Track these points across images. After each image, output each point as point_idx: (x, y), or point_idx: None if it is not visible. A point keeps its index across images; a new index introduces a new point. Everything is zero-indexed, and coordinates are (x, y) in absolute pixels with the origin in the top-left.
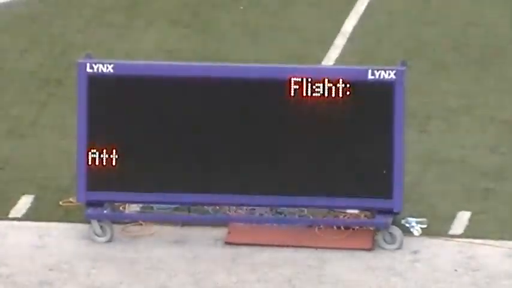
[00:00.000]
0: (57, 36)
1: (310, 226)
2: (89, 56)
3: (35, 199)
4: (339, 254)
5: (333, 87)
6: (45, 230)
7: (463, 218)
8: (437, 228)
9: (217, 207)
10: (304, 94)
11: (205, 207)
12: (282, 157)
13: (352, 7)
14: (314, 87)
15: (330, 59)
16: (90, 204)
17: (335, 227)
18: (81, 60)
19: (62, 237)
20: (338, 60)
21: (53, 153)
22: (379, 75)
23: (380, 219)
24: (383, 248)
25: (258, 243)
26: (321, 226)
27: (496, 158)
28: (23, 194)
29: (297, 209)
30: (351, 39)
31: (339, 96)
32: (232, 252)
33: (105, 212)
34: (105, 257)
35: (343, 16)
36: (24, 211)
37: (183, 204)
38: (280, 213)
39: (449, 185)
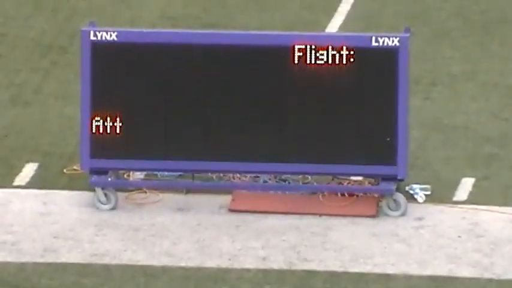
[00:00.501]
0: (61, 3)
1: (314, 193)
2: (92, 24)
3: (39, 167)
4: (343, 220)
5: (337, 54)
6: (50, 198)
7: (466, 185)
8: (441, 195)
9: (221, 175)
10: (308, 61)
11: (209, 174)
12: (285, 124)
13: None
14: (318, 54)
15: (333, 26)
16: (94, 171)
17: (339, 194)
18: (84, 28)
19: (66, 204)
20: (342, 27)
21: (56, 121)
22: (383, 42)
23: (384, 186)
24: (387, 215)
25: (262, 210)
26: (325, 193)
27: (500, 124)
28: (27, 162)
29: (300, 176)
30: (354, 5)
31: (342, 63)
32: (237, 219)
33: (109, 179)
34: (109, 224)
35: None
36: (28, 179)
37: (187, 171)
38: (284, 180)
39: (453, 152)
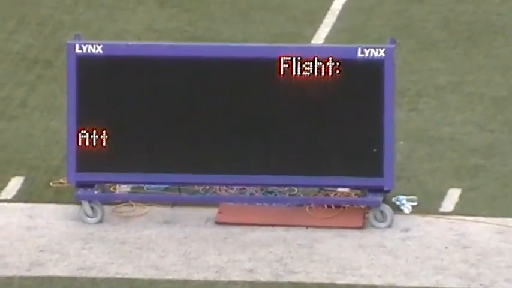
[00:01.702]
0: (46, 17)
1: (301, 205)
2: (78, 37)
3: (25, 180)
4: (330, 232)
5: (323, 66)
6: (36, 211)
7: (453, 196)
8: (427, 206)
9: (208, 187)
10: (294, 73)
11: (196, 187)
12: (272, 136)
13: None
14: (304, 66)
15: (319, 37)
16: (80, 185)
17: (326, 206)
18: (70, 41)
19: (52, 218)
20: (327, 39)
21: (42, 135)
22: (369, 54)
23: (371, 197)
24: (374, 226)
25: (248, 222)
26: (312, 205)
27: (486, 135)
28: (13, 176)
29: (287, 188)
30: (340, 17)
31: (328, 74)
32: (223, 231)
33: (95, 192)
34: (96, 237)
35: None
36: (14, 192)
37: (173, 184)
38: (271, 192)
39: (439, 163)
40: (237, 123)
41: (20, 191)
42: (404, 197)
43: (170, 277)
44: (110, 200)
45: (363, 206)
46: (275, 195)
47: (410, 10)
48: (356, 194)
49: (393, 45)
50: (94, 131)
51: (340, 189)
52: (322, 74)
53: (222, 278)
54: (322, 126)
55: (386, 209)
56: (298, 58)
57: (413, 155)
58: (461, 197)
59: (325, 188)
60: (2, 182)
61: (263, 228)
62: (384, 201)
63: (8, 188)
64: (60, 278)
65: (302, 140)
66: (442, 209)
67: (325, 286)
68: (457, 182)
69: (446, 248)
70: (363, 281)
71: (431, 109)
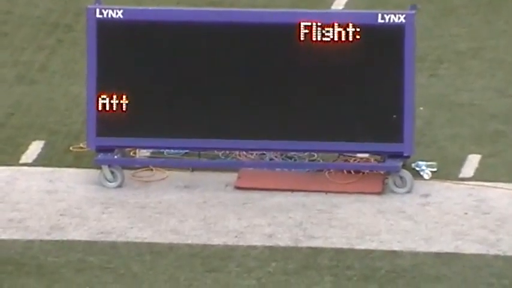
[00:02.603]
0: None
1: (320, 171)
2: (98, 2)
3: (46, 144)
4: (349, 198)
5: (343, 32)
6: (56, 176)
7: (473, 161)
8: (447, 172)
9: (228, 152)
10: (314, 39)
11: (216, 152)
12: (291, 102)
13: None
14: (324, 31)
15: (339, 3)
16: (100, 149)
17: (345, 172)
18: (90, 6)
19: (72, 182)
20: (348, 5)
21: (63, 99)
22: (389, 19)
23: (390, 163)
24: (393, 192)
25: (268, 187)
26: (331, 170)
27: (506, 101)
28: (34, 140)
29: (307, 153)
30: None
31: (348, 40)
32: (243, 196)
33: (115, 157)
34: (116, 202)
35: None
36: (34, 156)
37: (193, 149)
38: (290, 158)
39: (459, 129)
40: (257, 88)
41: (40, 155)
42: (424, 162)
43: (190, 241)
44: (130, 165)
45: (382, 172)
46: (294, 160)
47: None
48: (375, 160)
49: (414, 11)
50: (114, 96)
51: (359, 155)
52: (343, 39)
53: (241, 243)
54: (342, 92)
55: (406, 174)
56: (319, 24)
57: (433, 121)
58: (480, 162)
59: (345, 154)
60: (22, 146)
61: (282, 193)
62: (404, 167)
63: (28, 152)
64: (80, 242)
65: (322, 105)
66: (461, 175)
67: (344, 251)
68: (477, 148)
69: (466, 213)
70: (382, 246)
71: (451, 75)
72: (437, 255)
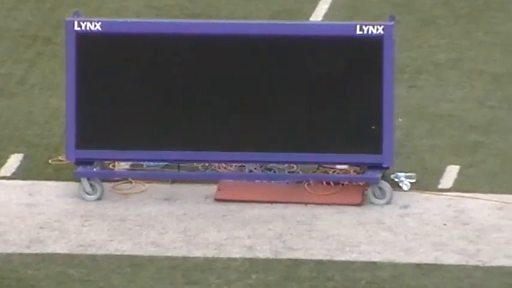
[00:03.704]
0: None
1: (300, 182)
2: (77, 14)
3: (25, 157)
4: (329, 209)
5: (321, 43)
6: (35, 188)
7: (452, 172)
8: (426, 183)
9: (207, 164)
10: (293, 50)
11: (195, 164)
12: (271, 114)
13: None
14: (302, 43)
15: (318, 14)
16: (79, 162)
17: (325, 183)
18: (69, 19)
19: (52, 195)
20: (326, 16)
21: (42, 112)
22: (368, 31)
23: (370, 174)
24: (373, 203)
25: (248, 199)
26: (311, 182)
27: (485, 111)
28: (13, 153)
29: (286, 165)
30: None
31: (327, 52)
32: (223, 208)
33: (94, 170)
34: (96, 214)
35: None
36: (14, 169)
37: (172, 161)
38: (270, 169)
39: (438, 139)
40: (236, 100)
41: (19, 168)
42: (403, 173)
43: (170, 254)
44: (110, 177)
45: (361, 183)
46: (274, 172)
47: None
48: (355, 171)
49: (392, 22)
50: (93, 108)
51: (339, 166)
52: (321, 51)
53: (222, 255)
54: (321, 104)
55: (385, 185)
56: (298, 35)
57: (413, 132)
58: (460, 173)
59: (324, 165)
60: (1, 159)
61: (262, 205)
62: (383, 178)
63: (7, 165)
64: (59, 254)
65: (301, 117)
66: (440, 186)
67: (324, 263)
68: (456, 159)
69: (445, 224)
70: (362, 257)
71: (430, 86)
72: (417, 266)
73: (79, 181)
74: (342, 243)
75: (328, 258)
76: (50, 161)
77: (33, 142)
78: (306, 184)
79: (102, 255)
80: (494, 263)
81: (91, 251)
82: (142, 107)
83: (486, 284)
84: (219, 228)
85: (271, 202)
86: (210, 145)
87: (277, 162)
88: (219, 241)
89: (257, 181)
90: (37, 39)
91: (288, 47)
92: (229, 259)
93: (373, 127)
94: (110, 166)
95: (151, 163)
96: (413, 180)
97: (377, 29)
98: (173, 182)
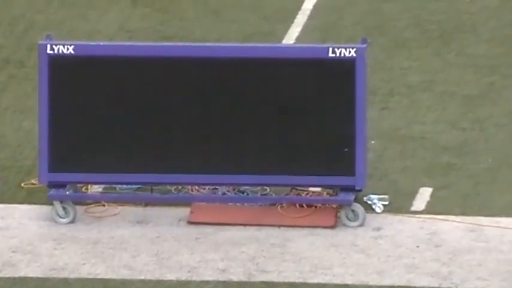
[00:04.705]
0: (18, 16)
1: (273, 204)
2: (49, 37)
3: None
4: (302, 231)
5: (294, 66)
6: (8, 212)
7: (424, 194)
8: (399, 205)
9: (180, 187)
10: (266, 72)
11: (168, 186)
12: (243, 136)
13: None
14: (275, 65)
15: (290, 37)
16: (52, 185)
17: (298, 205)
18: (41, 42)
19: (24, 218)
20: (299, 38)
21: (14, 135)
22: (340, 53)
23: (343, 196)
24: (346, 225)
25: (220, 222)
26: (284, 204)
27: (457, 133)
28: None
29: (259, 187)
30: (311, 16)
31: (300, 74)
32: (196, 231)
33: (67, 193)
34: (68, 237)
35: None
36: None
37: (145, 184)
38: (243, 192)
39: (410, 162)
40: (208, 123)
41: None
42: (376, 196)
43: (143, 277)
44: (82, 200)
45: (334, 205)
46: (247, 194)
47: (381, 9)
48: (328, 193)
49: (364, 45)
50: (66, 131)
51: (312, 189)
52: (294, 74)
53: (195, 278)
54: (294, 126)
55: (358, 208)
56: (270, 58)
57: (385, 154)
58: (432, 195)
59: (297, 188)
60: None
61: (235, 227)
62: (356, 200)
63: None
64: (32, 278)
65: (273, 139)
66: (413, 208)
67: (297, 285)
68: (429, 181)
69: (418, 246)
70: (335, 280)
71: (402, 108)
72: None
73: (52, 204)
74: (315, 266)
75: (301, 280)
76: (22, 184)
77: (5, 165)
78: (279, 206)
79: (75, 279)
80: (467, 285)
81: (64, 274)
82: (114, 129)
83: None
84: (192, 251)
85: (245, 224)
86: (183, 168)
87: (250, 185)
88: (192, 264)
89: (230, 204)
90: (9, 62)
91: (261, 69)
92: (203, 282)
93: (345, 149)
94: (83, 189)
95: (124, 186)
96: (386, 203)
97: (349, 52)
98: (146, 204)
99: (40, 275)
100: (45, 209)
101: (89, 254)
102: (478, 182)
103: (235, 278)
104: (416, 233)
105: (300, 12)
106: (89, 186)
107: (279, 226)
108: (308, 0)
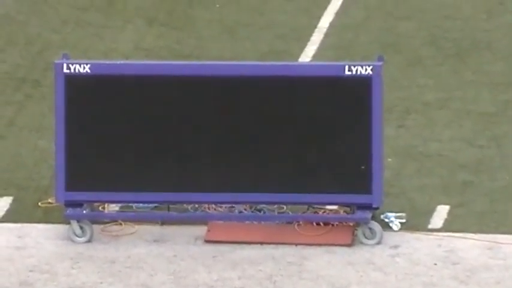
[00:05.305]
0: (34, 36)
1: (290, 223)
2: (65, 57)
3: (14, 200)
4: (319, 249)
5: (310, 84)
6: (25, 231)
7: (442, 212)
8: (416, 223)
9: (197, 205)
10: (282, 91)
11: (185, 205)
12: (260, 154)
13: (329, 2)
14: (291, 83)
15: (306, 55)
16: (69, 204)
17: (314, 223)
18: (57, 61)
19: (41, 238)
20: (315, 56)
21: (31, 154)
22: (356, 71)
23: (359, 214)
24: (363, 243)
25: (237, 240)
26: (301, 222)
27: (474, 151)
28: (2, 196)
29: (276, 206)
30: (327, 34)
31: (316, 92)
32: (213, 249)
33: (84, 212)
34: (85, 257)
35: (319, 12)
36: (3, 213)
37: (162, 203)
38: (260, 210)
39: (427, 179)
40: (226, 141)
41: (8, 211)
42: (393, 213)
43: None
44: (99, 219)
45: (351, 223)
46: (264, 212)
47: (397, 27)
48: (345, 211)
49: (381, 63)
50: (82, 150)
51: (328, 207)
52: (310, 91)
53: None
54: (310, 144)
55: (375, 226)
56: (286, 76)
57: (402, 172)
58: (449, 213)
59: (314, 206)
60: None
61: (252, 246)
62: (373, 218)
63: None
64: None
65: (291, 157)
66: (430, 226)
67: None
68: (446, 199)
69: (435, 264)
70: None
71: (419, 125)
72: None
73: (69, 223)
74: (332, 284)
75: None
76: (39, 204)
77: (22, 185)
78: (296, 225)
79: None
80: None
81: None
82: (131, 148)
83: None
84: (209, 270)
85: (261, 243)
86: (200, 186)
87: (267, 203)
88: (209, 282)
89: (247, 222)
90: (26, 82)
91: (277, 87)
92: None
93: (362, 167)
94: (100, 208)
95: (141, 204)
96: (403, 220)
97: (365, 69)
98: (163, 223)
99: None
100: (62, 228)
101: (106, 273)
102: (495, 199)
103: None
104: (434, 250)
105: (316, 30)
106: (106, 204)
107: (296, 244)
108: (324, 18)
